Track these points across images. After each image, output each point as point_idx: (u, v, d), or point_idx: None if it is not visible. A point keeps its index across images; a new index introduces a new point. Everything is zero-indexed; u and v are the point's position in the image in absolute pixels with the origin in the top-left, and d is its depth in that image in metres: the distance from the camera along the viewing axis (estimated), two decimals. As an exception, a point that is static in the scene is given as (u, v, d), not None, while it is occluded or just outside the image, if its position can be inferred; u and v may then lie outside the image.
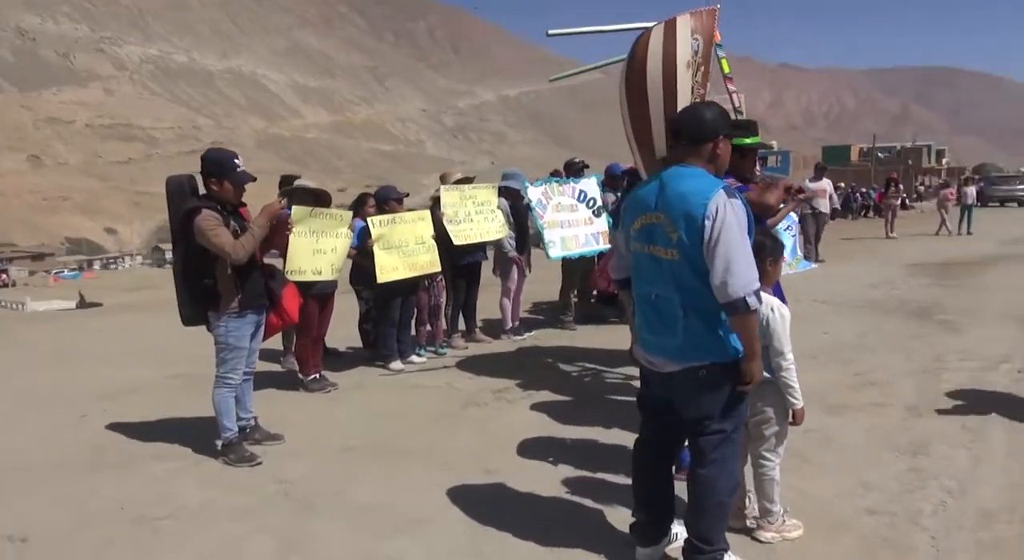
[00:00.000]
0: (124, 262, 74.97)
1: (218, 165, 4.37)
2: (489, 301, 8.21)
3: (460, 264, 7.34)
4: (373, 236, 6.33)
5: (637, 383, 5.88)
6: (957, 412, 5.04)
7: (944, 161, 63.15)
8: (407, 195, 7.41)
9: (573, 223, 7.46)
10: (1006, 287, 10.33)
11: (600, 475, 4.11)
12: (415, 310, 7.06)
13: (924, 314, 8.46)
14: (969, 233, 19.16)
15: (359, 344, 7.52)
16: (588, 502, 3.79)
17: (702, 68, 5.26)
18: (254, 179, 4.55)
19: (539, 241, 7.48)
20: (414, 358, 7.01)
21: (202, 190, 4.48)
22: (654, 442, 3.12)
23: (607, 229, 7.76)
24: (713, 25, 5.23)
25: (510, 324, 8.02)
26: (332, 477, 4.25)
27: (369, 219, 6.43)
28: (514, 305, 8.07)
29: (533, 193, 7.45)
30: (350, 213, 6.30)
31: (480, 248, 7.47)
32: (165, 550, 3.48)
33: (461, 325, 7.81)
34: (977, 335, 7.32)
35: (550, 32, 5.79)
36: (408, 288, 6.78)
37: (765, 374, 3.03)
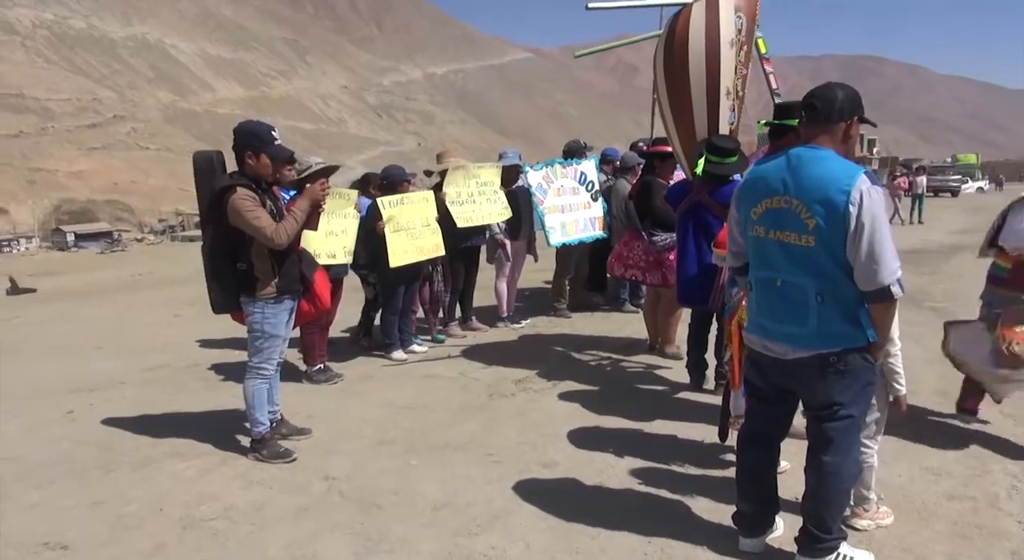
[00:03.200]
0: (19, 245, 70.97)
1: (255, 137, 4.15)
2: (480, 287, 8.16)
3: (460, 248, 7.25)
4: (384, 217, 6.20)
5: (661, 372, 6.13)
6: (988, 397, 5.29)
7: (875, 151, 65.95)
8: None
9: (574, 207, 7.45)
10: (977, 276, 10.84)
11: (666, 466, 4.15)
12: (416, 297, 6.96)
13: (914, 302, 8.83)
14: (920, 222, 20.10)
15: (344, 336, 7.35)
16: (665, 493, 3.82)
17: (745, 47, 5.34)
18: (291, 154, 4.36)
19: (540, 227, 7.46)
20: (415, 347, 6.91)
21: (223, 167, 4.29)
22: (766, 433, 3.16)
23: (602, 215, 7.80)
24: (756, 3, 5.30)
25: (506, 311, 7.99)
26: (383, 474, 4.16)
27: (379, 200, 6.28)
28: (509, 291, 8.04)
29: (534, 177, 7.40)
30: (355, 192, 6.16)
31: (480, 231, 7.40)
32: (232, 553, 3.34)
33: (457, 312, 7.74)
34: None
35: (590, 5, 5.74)
36: (412, 274, 6.67)
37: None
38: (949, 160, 62.69)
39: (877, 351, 2.87)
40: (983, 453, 4.33)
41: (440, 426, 4.91)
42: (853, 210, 2.70)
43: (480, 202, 6.96)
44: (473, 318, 7.86)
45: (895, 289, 2.72)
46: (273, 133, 4.22)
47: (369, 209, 6.26)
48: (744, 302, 3.54)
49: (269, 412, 4.58)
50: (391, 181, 6.66)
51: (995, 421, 4.86)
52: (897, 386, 3.30)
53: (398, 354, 6.67)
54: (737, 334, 3.69)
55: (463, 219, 6.84)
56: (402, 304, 6.70)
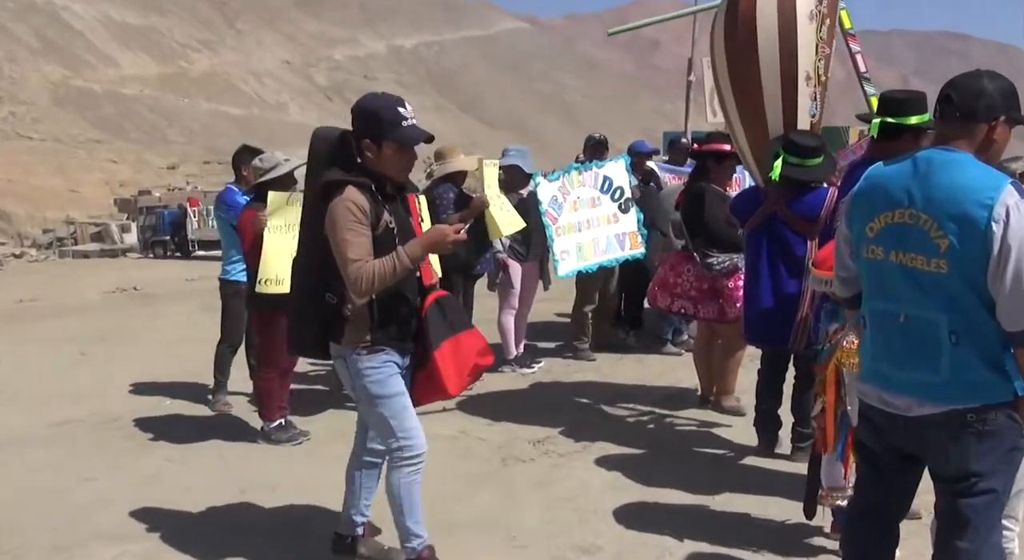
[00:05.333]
0: None
1: (375, 117, 3.68)
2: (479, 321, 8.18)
3: (472, 272, 7.29)
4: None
5: (718, 431, 6.17)
6: None
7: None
8: None
9: (593, 223, 7.52)
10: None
11: (740, 552, 4.18)
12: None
13: None
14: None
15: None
16: (746, 588, 3.84)
17: (827, 21, 5.47)
18: (431, 139, 3.92)
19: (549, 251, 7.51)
20: (399, 398, 6.91)
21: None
22: (884, 508, 3.19)
23: (636, 229, 7.87)
24: None
25: (513, 352, 8.02)
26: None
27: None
28: (517, 327, 8.08)
29: (546, 191, 7.45)
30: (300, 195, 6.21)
31: (485, 251, 7.44)
32: None
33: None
34: None
35: (609, 32, 5.89)
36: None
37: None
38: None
39: (1025, 407, 2.91)
40: None
41: (444, 499, 4.92)
42: (997, 229, 2.74)
43: (501, 206, 6.93)
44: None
45: None
46: (401, 110, 3.72)
47: None
48: (847, 342, 3.59)
49: (357, 520, 4.24)
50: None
51: None
52: None
53: (379, 406, 6.66)
54: (834, 382, 3.74)
55: (505, 226, 6.85)
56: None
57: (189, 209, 36.37)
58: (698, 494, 4.93)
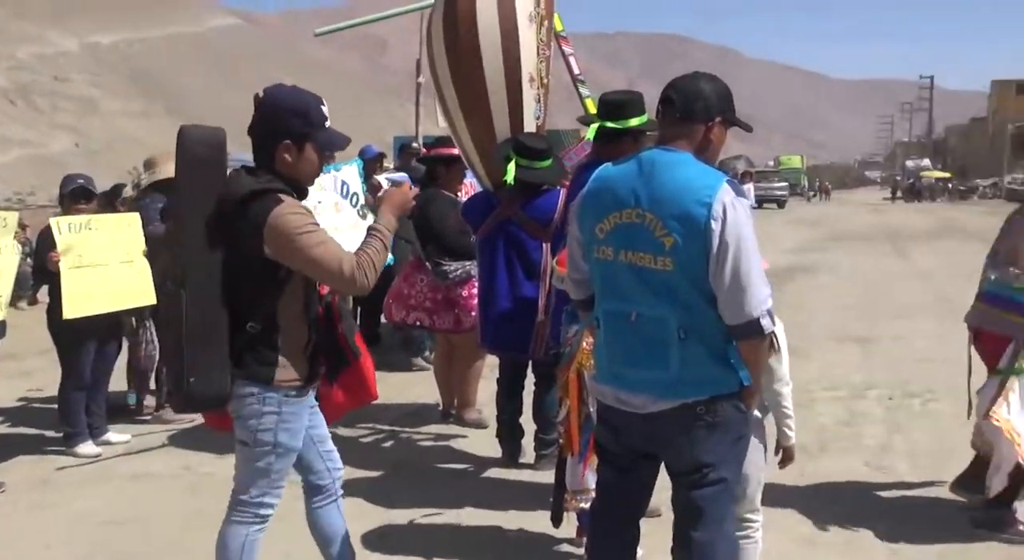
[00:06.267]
0: None
1: (301, 116, 3.43)
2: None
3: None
4: (59, 248, 5.89)
5: (461, 445, 6.29)
6: (856, 449, 6.04)
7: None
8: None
9: (341, 229, 7.48)
10: (822, 305, 12.29)
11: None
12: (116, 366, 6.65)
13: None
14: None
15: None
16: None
17: (546, 23, 5.75)
18: (348, 142, 3.67)
19: None
20: (111, 437, 6.57)
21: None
22: (625, 507, 3.39)
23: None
24: None
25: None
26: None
27: (52, 221, 5.97)
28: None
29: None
30: (14, 214, 5.90)
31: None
32: None
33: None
34: (825, 360, 8.78)
35: (317, 31, 5.93)
36: (105, 331, 6.39)
37: (755, 412, 3.45)
38: (772, 164, 69.78)
39: (750, 397, 3.19)
40: (857, 515, 4.91)
41: (171, 545, 4.75)
42: (716, 227, 2.97)
43: None
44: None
45: (765, 322, 3.03)
46: (324, 110, 3.52)
47: (40, 236, 5.95)
48: (586, 344, 3.79)
49: None
50: (72, 196, 6.35)
51: (861, 473, 5.53)
52: (788, 433, 3.69)
53: (87, 447, 6.30)
54: (576, 386, 3.92)
55: None
56: (92, 375, 6.38)
57: None
58: (445, 510, 5.02)
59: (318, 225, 3.37)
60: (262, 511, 3.63)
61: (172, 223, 3.47)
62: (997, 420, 4.44)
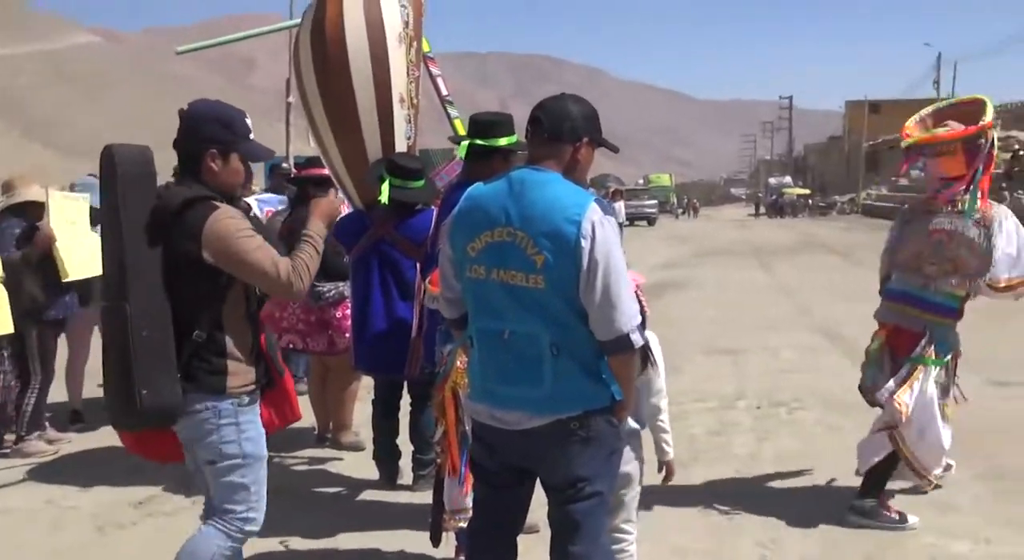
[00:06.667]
0: None
1: (227, 126, 3.52)
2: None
3: (45, 318, 6.74)
4: None
5: (337, 468, 6.21)
6: (727, 459, 6.22)
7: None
8: None
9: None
10: (692, 319, 12.60)
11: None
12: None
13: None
14: (620, 257, 22.66)
15: None
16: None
17: (415, 44, 5.78)
18: (272, 155, 3.80)
19: None
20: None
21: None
22: (503, 524, 3.40)
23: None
24: None
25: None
26: None
27: None
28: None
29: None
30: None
31: (69, 290, 6.93)
32: None
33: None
34: (696, 373, 9.01)
35: (179, 50, 5.85)
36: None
37: (631, 423, 3.53)
38: (642, 182, 71.37)
39: (622, 412, 3.25)
40: (729, 523, 5.06)
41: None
42: (585, 245, 3.03)
43: (88, 246, 6.50)
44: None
45: (635, 337, 3.10)
46: (248, 122, 3.62)
47: None
48: (460, 362, 3.80)
49: None
50: None
51: (732, 482, 5.69)
52: (667, 448, 3.77)
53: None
54: (452, 405, 3.94)
55: (76, 268, 6.46)
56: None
57: None
58: (322, 538, 4.96)
59: (254, 230, 3.45)
60: (247, 527, 3.58)
61: (108, 239, 3.48)
62: (899, 403, 4.82)
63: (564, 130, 3.21)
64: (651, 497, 5.19)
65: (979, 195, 4.90)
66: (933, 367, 4.93)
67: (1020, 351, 9.43)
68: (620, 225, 18.09)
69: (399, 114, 5.63)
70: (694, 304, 14.39)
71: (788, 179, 79.51)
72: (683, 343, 10.48)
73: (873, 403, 5.16)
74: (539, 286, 3.08)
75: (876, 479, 5.01)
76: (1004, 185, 31.57)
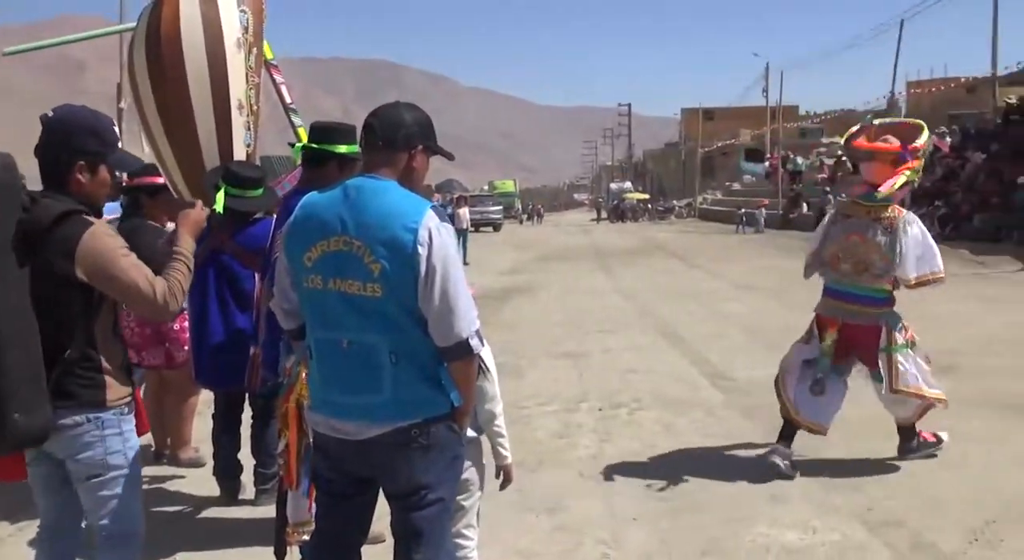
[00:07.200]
0: None
1: (96, 136, 3.39)
2: None
3: None
4: None
5: (176, 485, 6.03)
6: (571, 461, 6.34)
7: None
8: None
9: None
10: (536, 323, 12.80)
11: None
12: None
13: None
14: (466, 264, 22.76)
15: None
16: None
17: (254, 50, 5.70)
18: (140, 164, 3.88)
19: None
20: None
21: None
22: (346, 535, 3.38)
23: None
24: None
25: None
26: None
27: None
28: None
29: None
30: None
31: None
32: None
33: None
34: (539, 376, 9.17)
35: (5, 51, 5.60)
36: None
37: (469, 431, 3.55)
38: (487, 188, 71.89)
39: (462, 417, 3.28)
40: (573, 523, 5.16)
41: None
42: (423, 252, 3.05)
43: None
44: None
45: (474, 342, 3.14)
46: (116, 130, 3.59)
47: None
48: (304, 375, 3.75)
49: None
50: None
51: (576, 483, 5.80)
52: (504, 453, 3.82)
53: None
54: (295, 417, 3.88)
55: None
56: None
57: None
58: (160, 557, 4.81)
59: (129, 248, 3.36)
60: (133, 541, 3.59)
61: None
62: (906, 387, 5.80)
63: (399, 137, 3.22)
64: (492, 501, 5.26)
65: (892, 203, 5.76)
66: (907, 349, 5.85)
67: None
68: (466, 231, 18.51)
69: (238, 120, 5.52)
70: (539, 308, 14.64)
71: (628, 184, 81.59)
72: (528, 347, 10.64)
73: (780, 397, 6.03)
74: (377, 295, 3.08)
75: (909, 427, 6.00)
76: (828, 189, 33.49)
